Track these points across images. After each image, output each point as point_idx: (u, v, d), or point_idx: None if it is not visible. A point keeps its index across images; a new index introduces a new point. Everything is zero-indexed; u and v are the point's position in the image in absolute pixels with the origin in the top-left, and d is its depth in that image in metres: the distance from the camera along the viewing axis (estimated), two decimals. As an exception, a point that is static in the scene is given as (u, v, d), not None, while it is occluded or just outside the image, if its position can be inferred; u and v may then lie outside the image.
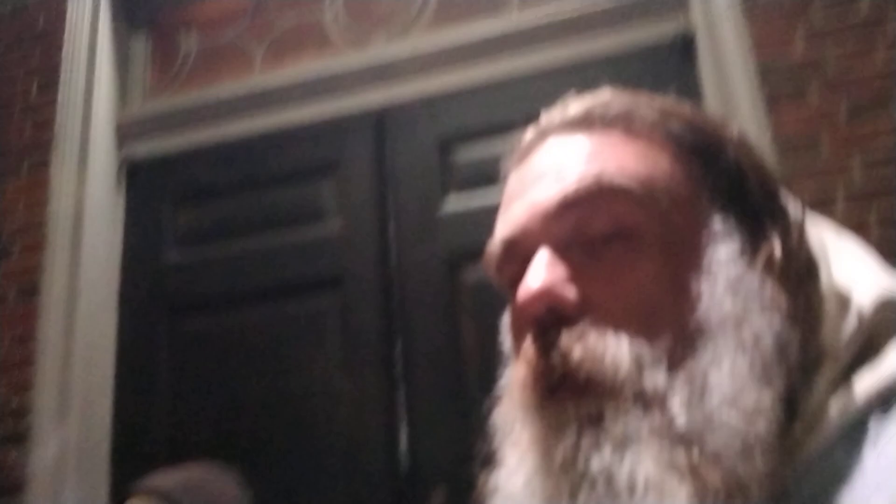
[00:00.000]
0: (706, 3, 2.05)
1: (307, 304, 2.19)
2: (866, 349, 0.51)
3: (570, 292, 0.51)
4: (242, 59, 2.61)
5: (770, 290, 0.51)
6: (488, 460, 0.56)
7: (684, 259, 0.52)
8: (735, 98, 1.94)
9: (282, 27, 2.60)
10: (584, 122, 0.57)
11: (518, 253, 0.55)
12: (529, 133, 0.60)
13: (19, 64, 2.56)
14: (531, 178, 0.56)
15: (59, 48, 2.54)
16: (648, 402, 0.48)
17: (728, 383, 0.47)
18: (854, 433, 0.48)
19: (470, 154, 2.18)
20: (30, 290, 2.25)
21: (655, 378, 0.48)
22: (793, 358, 0.50)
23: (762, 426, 0.46)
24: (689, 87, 2.03)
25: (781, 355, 0.49)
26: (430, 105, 2.28)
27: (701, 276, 0.51)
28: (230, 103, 2.47)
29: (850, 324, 0.51)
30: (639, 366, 0.49)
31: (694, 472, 0.45)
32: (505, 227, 0.56)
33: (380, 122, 2.31)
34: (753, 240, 0.53)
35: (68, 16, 2.57)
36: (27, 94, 2.52)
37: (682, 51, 2.11)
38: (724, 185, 0.55)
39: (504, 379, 0.59)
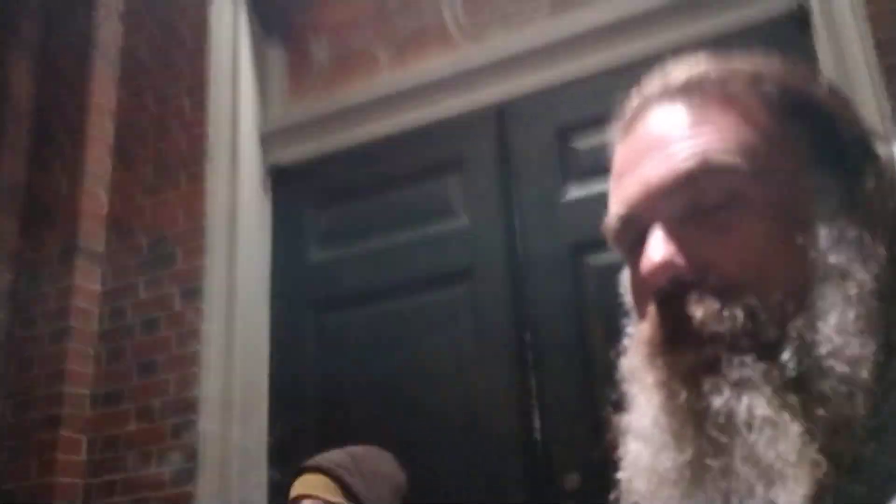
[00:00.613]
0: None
1: (439, 296, 2.30)
2: None
3: (688, 261, 0.55)
4: (370, 62, 2.73)
5: (869, 240, 0.53)
6: (618, 406, 0.62)
7: (789, 217, 0.55)
8: (852, 72, 1.89)
9: (404, 27, 2.70)
10: (685, 91, 0.60)
11: (634, 226, 0.59)
12: (633, 101, 0.64)
13: (170, 81, 2.77)
14: (640, 150, 0.60)
15: (205, 61, 2.72)
16: (762, 351, 0.52)
17: (834, 334, 0.51)
18: None
19: (589, 142, 2.21)
20: (192, 292, 2.45)
21: (768, 330, 0.52)
22: (893, 303, 0.52)
23: (863, 371, 0.50)
24: (804, 62, 1.98)
25: (883, 303, 0.52)
26: (548, 96, 2.33)
27: (806, 231, 0.54)
28: (361, 106, 2.60)
29: None
30: (753, 319, 0.53)
31: (804, 411, 0.50)
32: (620, 203, 0.60)
33: (500, 116, 2.38)
34: (850, 190, 0.56)
35: (212, 29, 2.75)
36: (181, 110, 2.73)
37: (797, 25, 2.06)
38: (820, 139, 0.57)
39: (628, 335, 0.64)
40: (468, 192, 2.36)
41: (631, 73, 2.13)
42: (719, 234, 0.55)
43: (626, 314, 0.66)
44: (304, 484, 1.60)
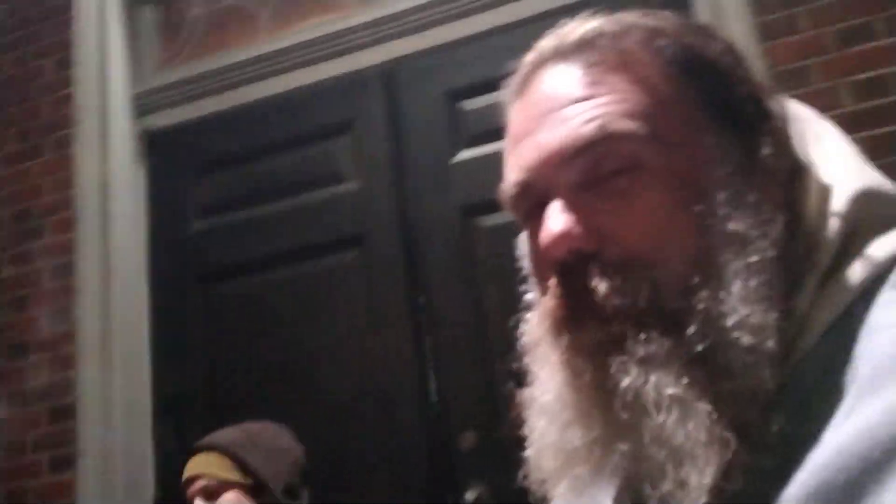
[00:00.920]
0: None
1: (331, 262, 2.25)
2: (849, 242, 0.53)
3: (587, 232, 0.54)
4: (248, 23, 2.63)
5: (768, 202, 0.54)
6: (521, 377, 0.61)
7: (688, 183, 0.54)
8: (727, 30, 1.96)
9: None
10: (580, 49, 0.58)
11: (532, 192, 0.57)
12: (526, 60, 0.61)
13: (31, 42, 2.59)
14: (535, 114, 0.58)
15: (69, 24, 2.56)
16: (668, 325, 0.51)
17: (739, 304, 0.50)
18: (842, 327, 0.50)
19: (479, 103, 2.20)
20: (64, 267, 2.31)
21: (672, 303, 0.52)
22: (795, 270, 0.53)
23: (768, 341, 0.50)
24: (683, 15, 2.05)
25: (784, 268, 0.52)
26: (438, 57, 2.30)
27: (705, 198, 0.53)
28: (241, 68, 2.50)
29: (833, 220, 0.53)
30: (657, 292, 0.52)
31: (710, 386, 0.50)
32: (516, 169, 0.58)
33: (390, 78, 2.34)
34: (747, 152, 0.55)
35: (76, -9, 2.58)
36: (41, 71, 2.56)
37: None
38: (717, 98, 0.56)
39: (528, 305, 0.63)
40: (357, 156, 2.31)
41: (521, 33, 2.19)
42: (620, 203, 0.54)
43: (520, 276, 0.65)
44: (198, 463, 1.56)
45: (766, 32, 1.93)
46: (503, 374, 0.62)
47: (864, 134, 1.80)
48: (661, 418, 0.50)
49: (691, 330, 0.51)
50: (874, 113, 1.81)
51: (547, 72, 0.59)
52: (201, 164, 2.49)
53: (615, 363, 0.52)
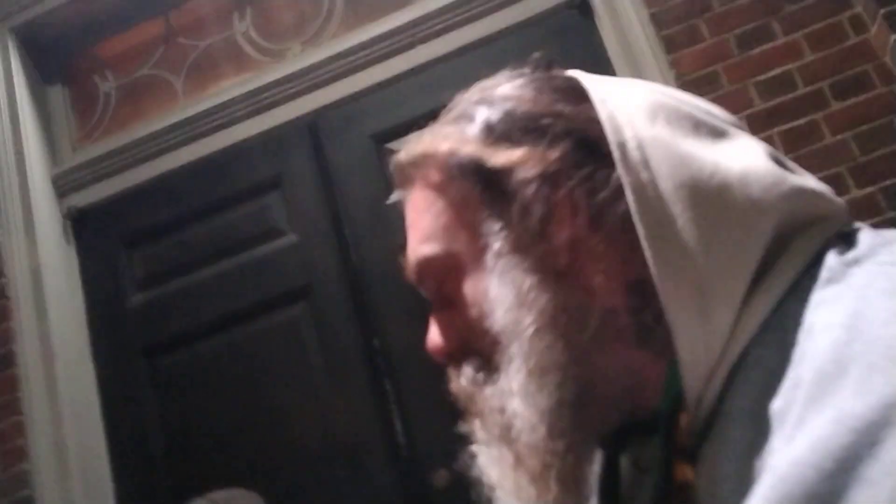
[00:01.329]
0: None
1: (279, 318, 2.24)
2: (775, 244, 0.54)
3: (445, 340, 0.64)
4: (164, 92, 2.62)
5: (530, 272, 0.57)
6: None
7: (477, 274, 0.60)
8: (634, 46, 2.07)
9: (196, 52, 2.61)
10: (403, 181, 0.67)
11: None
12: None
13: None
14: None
15: (-22, 113, 2.51)
16: (483, 414, 0.60)
17: (518, 387, 0.57)
18: (776, 326, 0.51)
19: (404, 143, 2.23)
20: (3, 360, 2.23)
21: (482, 393, 0.60)
22: (595, 313, 0.56)
23: (553, 415, 0.56)
24: (592, 42, 2.13)
25: (576, 320, 0.56)
26: (359, 103, 2.33)
27: (487, 286, 0.59)
28: (160, 137, 2.48)
29: (754, 223, 0.53)
30: (473, 384, 0.60)
31: (519, 463, 0.57)
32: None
33: (313, 129, 2.35)
34: (517, 228, 0.59)
35: (-17, 79, 2.54)
36: (-45, 164, 2.49)
37: (579, 10, 2.22)
38: (482, 184, 0.60)
39: None
40: (291, 210, 2.31)
41: (437, 71, 2.22)
42: (454, 310, 0.62)
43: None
44: None
45: (671, 45, 2.02)
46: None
47: (777, 130, 1.88)
48: (494, 497, 0.60)
49: (493, 415, 0.59)
50: (783, 109, 1.90)
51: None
52: (131, 238, 2.45)
53: (471, 451, 0.62)
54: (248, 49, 2.57)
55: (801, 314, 0.50)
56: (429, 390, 2.00)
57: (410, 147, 0.66)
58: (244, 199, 2.36)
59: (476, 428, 0.61)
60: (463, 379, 0.61)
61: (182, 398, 2.25)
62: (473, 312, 0.60)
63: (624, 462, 0.62)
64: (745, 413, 0.50)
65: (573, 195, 0.57)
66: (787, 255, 0.54)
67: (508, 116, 0.61)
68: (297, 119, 2.38)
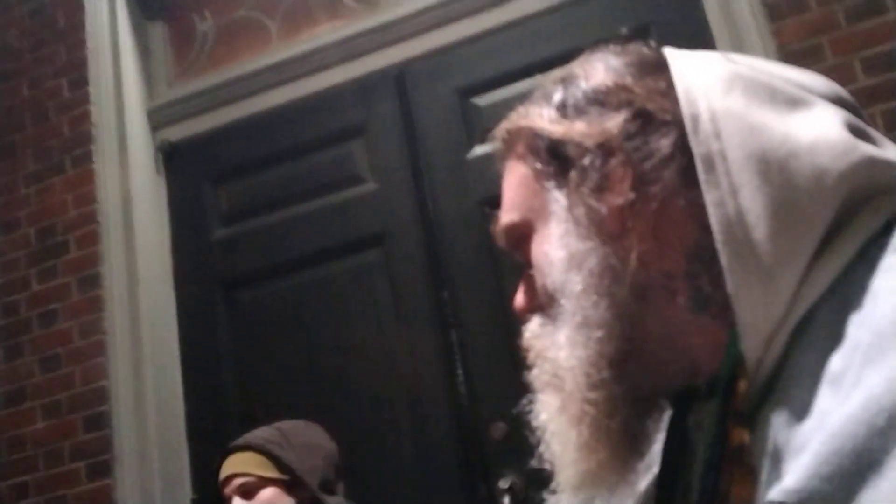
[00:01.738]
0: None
1: (353, 263, 2.28)
2: (844, 210, 0.54)
3: (525, 300, 0.69)
4: (259, 34, 2.66)
5: (582, 237, 0.62)
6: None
7: (545, 238, 0.65)
8: (737, 14, 1.99)
9: (293, -3, 2.64)
10: (500, 154, 0.72)
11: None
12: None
13: (46, 64, 2.63)
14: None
15: (83, 44, 2.59)
16: (543, 358, 0.65)
17: (564, 340, 0.62)
18: (843, 291, 0.52)
19: (490, 98, 2.23)
20: (90, 281, 2.34)
21: (541, 340, 0.65)
22: (644, 275, 0.59)
23: (594, 366, 0.60)
24: (692, 7, 2.06)
25: (617, 285, 0.60)
26: (447, 55, 2.33)
27: (548, 253, 0.64)
28: (252, 78, 2.53)
29: (824, 191, 0.54)
30: (536, 336, 0.66)
31: (563, 409, 0.62)
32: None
33: (400, 79, 2.36)
34: (572, 195, 0.64)
35: (87, 12, 2.62)
36: (59, 91, 2.59)
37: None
38: (552, 157, 0.65)
39: None
40: (373, 157, 2.34)
41: (523, 29, 2.19)
42: (533, 271, 0.67)
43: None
44: (234, 463, 1.58)
45: (775, 13, 1.94)
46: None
47: (880, 107, 1.80)
48: (546, 437, 0.65)
49: (547, 360, 0.64)
50: (888, 87, 1.81)
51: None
52: (219, 174, 2.52)
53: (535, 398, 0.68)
54: (342, -4, 2.57)
55: (867, 280, 0.50)
56: (492, 345, 2.02)
57: (505, 122, 0.71)
58: (329, 144, 2.40)
59: (534, 376, 0.66)
60: (528, 332, 0.67)
61: (256, 332, 2.33)
62: (540, 273, 0.65)
63: (690, 426, 0.65)
64: (805, 374, 0.51)
65: (627, 163, 0.61)
66: (856, 222, 0.54)
67: (578, 91, 0.65)
68: (386, 69, 2.39)
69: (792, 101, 0.59)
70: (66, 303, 2.34)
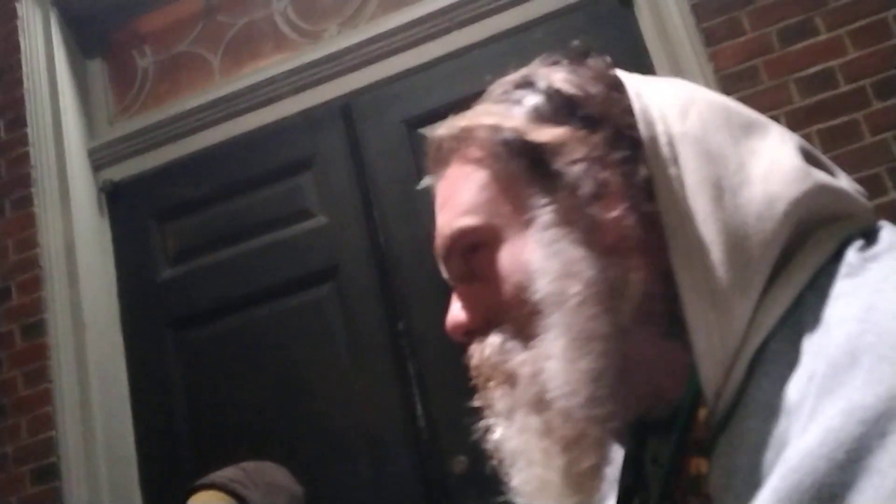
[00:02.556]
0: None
1: (306, 298, 2.25)
2: (794, 239, 0.54)
3: (470, 314, 0.64)
4: (201, 69, 2.64)
5: (576, 245, 0.58)
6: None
7: (518, 246, 0.61)
8: (672, 36, 2.04)
9: (233, 29, 2.63)
10: (438, 163, 0.68)
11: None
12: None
13: (-19, 104, 2.57)
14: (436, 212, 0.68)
15: (19, 84, 2.54)
16: (512, 380, 0.59)
17: (559, 352, 0.56)
18: (795, 321, 0.52)
19: (436, 128, 2.23)
20: (34, 328, 2.27)
21: (513, 360, 0.59)
22: (638, 292, 0.57)
23: (594, 382, 0.55)
24: (630, 33, 2.11)
25: (619, 293, 0.57)
26: (393, 87, 2.33)
27: (528, 257, 0.60)
28: (196, 114, 2.50)
29: (774, 221, 0.54)
30: (502, 353, 0.60)
31: (548, 430, 0.57)
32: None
33: (346, 111, 2.36)
34: (560, 199, 0.60)
35: (23, 50, 2.57)
36: (-4, 134, 2.53)
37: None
38: (528, 159, 0.62)
39: None
40: (322, 191, 2.32)
41: (470, 58, 2.21)
42: (483, 280, 0.63)
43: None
44: (198, 502, 1.54)
45: (711, 37, 1.99)
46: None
47: (816, 127, 1.85)
48: (515, 467, 0.59)
49: (526, 381, 0.58)
50: (824, 107, 1.87)
51: (434, 178, 0.70)
52: (165, 212, 2.48)
53: (490, 423, 0.62)
54: (285, 29, 2.57)
55: (819, 308, 0.51)
56: (451, 376, 2.00)
57: (451, 124, 0.67)
58: (276, 178, 2.38)
59: (496, 398, 0.61)
60: (487, 349, 0.61)
61: (207, 373, 2.28)
62: (510, 283, 0.60)
63: (645, 459, 0.63)
64: (761, 406, 0.51)
65: (616, 178, 0.59)
66: (806, 249, 0.54)
67: (552, 99, 0.63)
68: (331, 101, 2.38)
69: (747, 127, 0.60)
70: (10, 351, 2.27)
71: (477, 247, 0.63)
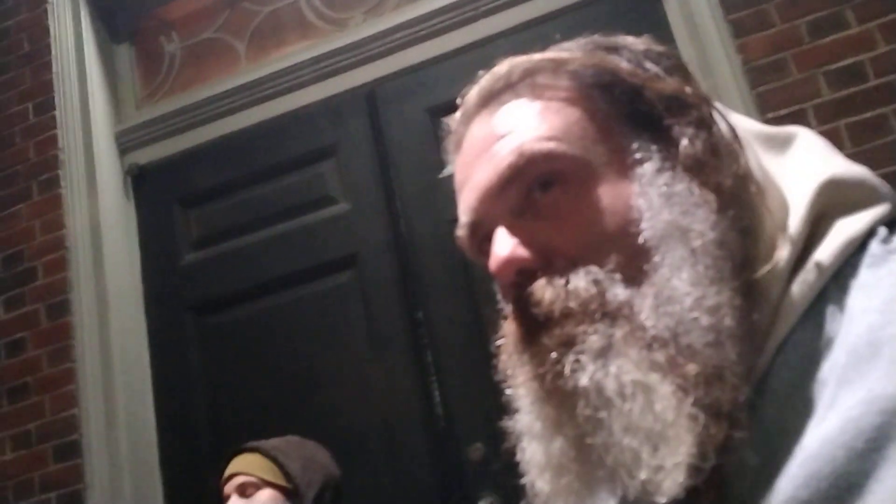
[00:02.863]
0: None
1: (326, 285, 2.26)
2: (818, 228, 0.55)
3: (531, 251, 0.57)
4: (227, 55, 2.65)
5: (698, 189, 0.56)
6: (509, 408, 0.61)
7: (616, 185, 0.57)
8: (702, 30, 2.01)
9: (259, 17, 2.64)
10: (495, 96, 0.63)
11: (480, 230, 0.62)
12: (457, 118, 0.67)
13: (11, 88, 2.60)
14: (469, 161, 0.62)
15: (48, 68, 2.57)
16: (615, 315, 0.53)
17: (690, 287, 0.52)
18: (818, 312, 0.52)
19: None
20: (59, 308, 2.30)
21: (616, 294, 0.54)
22: (737, 248, 0.54)
23: (726, 318, 0.51)
24: (657, 24, 2.09)
25: (726, 249, 0.54)
26: (417, 75, 2.33)
27: (635, 196, 0.56)
28: (221, 100, 2.52)
29: (800, 209, 0.55)
30: (598, 287, 0.54)
31: (672, 367, 0.51)
32: (463, 213, 0.63)
33: (370, 99, 2.36)
34: (669, 146, 0.58)
35: (52, 35, 2.60)
36: (24, 116, 2.56)
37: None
38: (629, 105, 0.59)
39: (500, 336, 0.64)
40: (345, 178, 2.33)
41: (494, 47, 2.20)
42: (555, 218, 0.58)
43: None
44: (239, 463, 1.62)
45: (739, 29, 1.96)
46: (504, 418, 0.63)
47: (844, 121, 1.83)
48: (626, 406, 0.51)
49: (643, 315, 0.52)
50: (852, 100, 1.84)
51: (473, 123, 0.64)
52: (189, 197, 2.50)
53: (570, 363, 0.53)
54: (310, 16, 2.58)
55: (841, 299, 0.51)
56: (468, 365, 2.01)
57: (517, 60, 0.63)
58: (300, 165, 2.39)
59: (587, 335, 0.54)
60: (581, 281, 0.55)
61: (227, 357, 2.30)
62: (612, 219, 0.56)
63: None
64: (780, 394, 0.51)
65: (717, 145, 0.58)
66: (829, 239, 0.54)
67: (647, 57, 0.61)
68: (356, 89, 2.39)
69: (781, 141, 0.61)
70: (35, 330, 2.30)
71: (553, 181, 0.58)
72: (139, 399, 2.31)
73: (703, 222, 0.54)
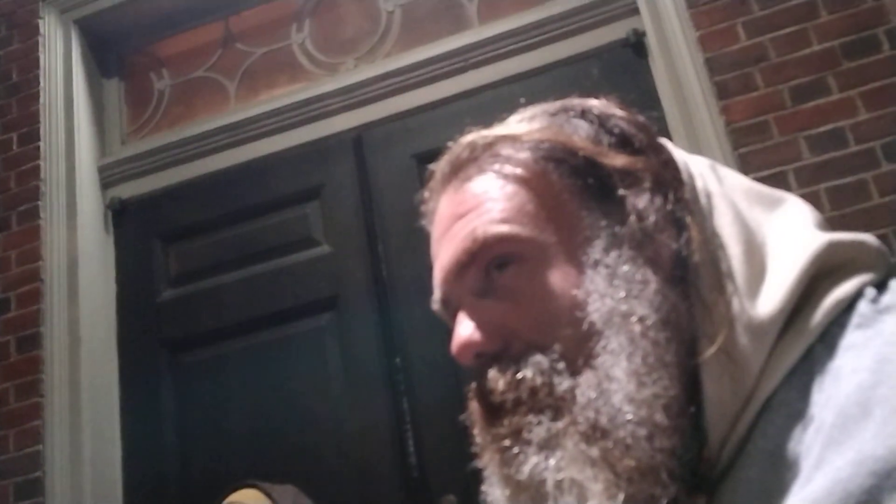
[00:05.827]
0: (653, 4, 2.14)
1: (305, 327, 2.24)
2: (807, 291, 0.54)
3: (487, 334, 0.58)
4: (217, 94, 2.66)
5: (644, 267, 0.56)
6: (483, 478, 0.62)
7: (564, 266, 0.58)
8: (686, 89, 2.05)
9: (252, 58, 2.66)
10: (462, 167, 0.64)
11: (451, 307, 0.63)
12: (429, 188, 0.68)
13: (-3, 117, 2.59)
14: (437, 238, 0.64)
15: (36, 98, 2.57)
16: (558, 406, 0.54)
17: (624, 376, 0.52)
18: (804, 372, 0.51)
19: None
20: (30, 340, 2.26)
21: (561, 383, 0.54)
22: (686, 323, 0.54)
23: (660, 412, 0.51)
24: (644, 83, 2.12)
25: (671, 329, 0.54)
26: (404, 122, 2.35)
27: (582, 277, 0.57)
28: (208, 138, 2.52)
29: (789, 271, 0.54)
30: (544, 378, 0.55)
31: (607, 462, 0.51)
32: (435, 289, 0.64)
33: (357, 143, 2.37)
34: (623, 218, 0.58)
35: (42, 66, 2.60)
36: (9, 145, 2.55)
37: (634, 50, 2.21)
38: (584, 177, 0.60)
39: (467, 412, 0.64)
40: (328, 220, 2.33)
41: (482, 97, 2.23)
42: (510, 299, 0.58)
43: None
44: (237, 495, 1.64)
45: (723, 91, 2.00)
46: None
47: (824, 185, 1.85)
48: (563, 501, 0.52)
49: (583, 407, 0.53)
50: (833, 165, 1.87)
51: (442, 196, 0.65)
52: (170, 233, 2.48)
53: (518, 453, 0.55)
54: (302, 60, 2.60)
55: (829, 359, 0.50)
56: (444, 414, 1.99)
57: (479, 134, 0.64)
58: (283, 206, 2.39)
59: (532, 426, 0.55)
60: (529, 371, 0.55)
61: (200, 396, 2.26)
62: (560, 302, 0.56)
63: None
64: (764, 455, 0.50)
65: (667, 215, 0.58)
66: (817, 301, 0.54)
67: (609, 128, 0.62)
68: (343, 132, 2.40)
69: (770, 202, 0.61)
70: (3, 363, 2.26)
71: (508, 262, 0.58)
72: (106, 438, 2.25)
73: (645, 305, 0.54)
